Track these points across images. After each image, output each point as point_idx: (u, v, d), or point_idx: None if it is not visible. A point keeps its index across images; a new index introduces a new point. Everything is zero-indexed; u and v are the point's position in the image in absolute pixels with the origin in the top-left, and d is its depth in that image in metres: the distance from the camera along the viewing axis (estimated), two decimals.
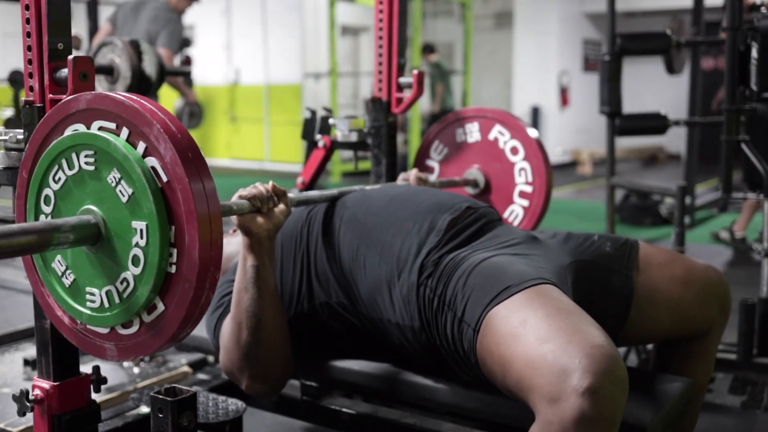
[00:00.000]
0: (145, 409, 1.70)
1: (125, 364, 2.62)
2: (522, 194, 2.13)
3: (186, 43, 5.43)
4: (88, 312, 1.13)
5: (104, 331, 1.14)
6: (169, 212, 1.03)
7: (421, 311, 1.40)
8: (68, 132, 1.12)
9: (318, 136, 2.25)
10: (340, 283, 1.51)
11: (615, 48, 3.66)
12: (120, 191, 1.06)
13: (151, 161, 1.04)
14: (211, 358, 2.49)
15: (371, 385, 1.57)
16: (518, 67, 10.62)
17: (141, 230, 1.04)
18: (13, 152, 1.35)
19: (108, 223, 1.08)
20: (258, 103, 10.00)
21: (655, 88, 10.48)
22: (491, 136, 2.16)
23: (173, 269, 1.04)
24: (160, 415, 1.33)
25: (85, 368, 1.38)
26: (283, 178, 8.41)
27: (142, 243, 1.04)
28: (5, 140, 1.35)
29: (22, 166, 1.19)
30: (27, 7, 1.26)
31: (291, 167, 9.12)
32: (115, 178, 1.06)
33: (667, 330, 1.56)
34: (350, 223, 1.54)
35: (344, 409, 1.76)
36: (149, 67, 2.67)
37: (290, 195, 1.48)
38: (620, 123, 3.55)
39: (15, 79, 6.20)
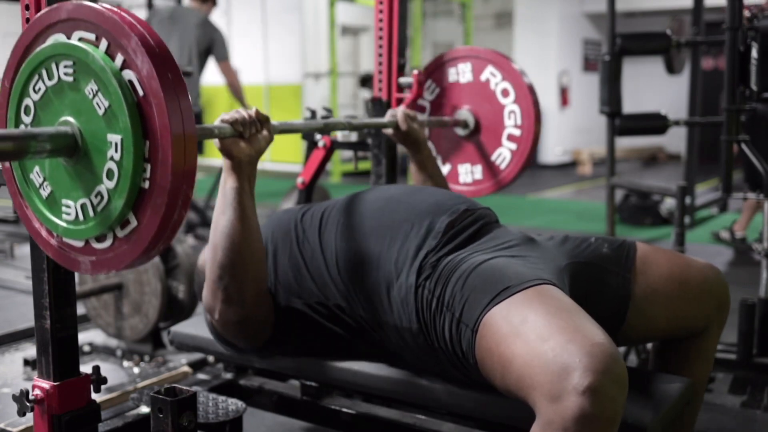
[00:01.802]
0: (145, 409, 1.70)
1: (125, 363, 2.62)
2: (510, 137, 2.13)
3: None
4: (64, 224, 1.14)
5: (79, 244, 1.14)
6: (144, 127, 1.02)
7: (419, 313, 1.39)
8: (49, 41, 1.11)
9: (318, 136, 2.25)
10: (337, 285, 1.51)
11: (615, 48, 3.66)
12: (97, 103, 1.05)
13: (129, 74, 1.03)
14: (211, 358, 2.49)
15: (371, 385, 1.57)
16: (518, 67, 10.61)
17: (116, 144, 1.03)
18: None
19: (84, 135, 1.07)
20: (258, 103, 9.99)
21: (655, 88, 10.48)
22: (483, 77, 2.16)
23: (146, 185, 1.04)
24: (160, 415, 1.33)
25: (85, 368, 1.38)
26: (283, 178, 8.41)
27: (117, 157, 1.04)
28: None
29: (5, 75, 1.18)
30: (27, 7, 1.26)
31: (291, 167, 9.12)
32: (92, 90, 1.05)
33: (665, 329, 1.56)
34: (347, 225, 1.54)
35: (344, 409, 1.76)
36: None
37: (274, 123, 1.47)
38: (620, 123, 3.55)
39: None
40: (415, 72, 2.15)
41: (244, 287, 1.44)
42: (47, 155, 1.07)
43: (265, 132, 1.42)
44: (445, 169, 2.25)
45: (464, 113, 2.18)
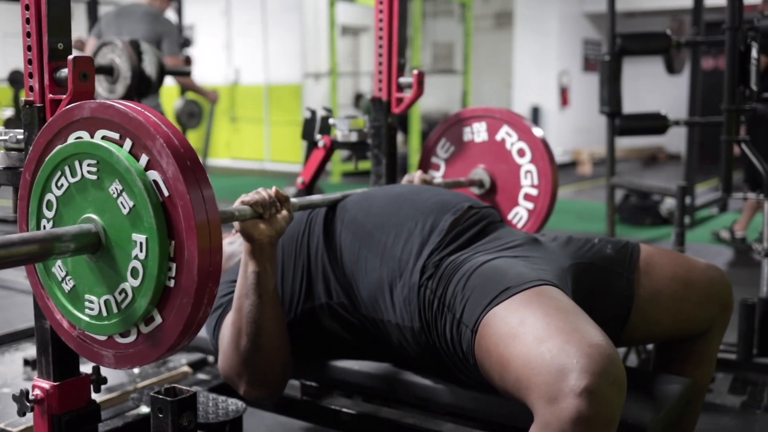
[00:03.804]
0: (145, 409, 1.70)
1: None
2: (527, 197, 2.12)
3: (186, 43, 5.44)
4: (87, 319, 1.13)
5: (102, 338, 1.14)
6: (169, 227, 1.03)
7: (421, 312, 1.39)
8: (71, 139, 1.12)
9: (318, 136, 2.25)
10: (341, 283, 1.51)
11: (615, 48, 3.66)
12: (121, 203, 1.05)
13: (153, 175, 1.03)
14: (211, 358, 2.49)
15: (371, 385, 1.57)
16: (518, 67, 10.62)
17: (141, 243, 1.04)
18: (13, 152, 1.35)
19: (108, 232, 1.08)
20: (258, 103, 9.99)
21: (655, 88, 10.48)
22: (498, 136, 2.15)
23: (172, 283, 1.04)
24: (160, 415, 1.33)
25: (85, 368, 1.38)
26: (283, 178, 8.41)
27: (142, 256, 1.04)
28: (5, 140, 1.35)
29: (26, 168, 1.19)
30: (27, 7, 1.26)
31: (291, 167, 9.12)
32: (116, 189, 1.06)
33: (667, 330, 1.56)
34: (351, 223, 1.54)
35: (344, 409, 1.75)
36: (149, 67, 2.67)
37: (293, 200, 1.47)
38: (620, 123, 3.54)
39: (15, 79, 6.21)
40: (415, 72, 2.15)
41: (270, 370, 1.46)
42: (71, 254, 1.07)
43: (284, 212, 1.42)
44: None
45: (480, 172, 2.18)
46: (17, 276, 3.80)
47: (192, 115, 5.31)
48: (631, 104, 4.24)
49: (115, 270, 1.08)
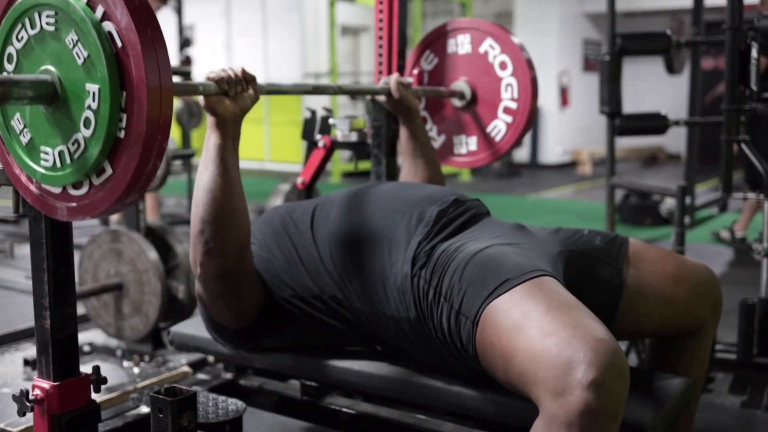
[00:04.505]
0: (145, 409, 1.70)
1: (125, 363, 2.62)
2: (506, 110, 2.12)
3: (186, 43, 5.44)
4: (42, 171, 1.16)
5: (57, 190, 1.16)
6: (121, 78, 1.04)
7: (417, 302, 1.40)
8: None
9: (318, 136, 2.25)
10: (332, 277, 1.51)
11: (615, 48, 3.66)
12: (77, 53, 1.07)
13: (108, 26, 1.05)
14: (211, 358, 2.49)
15: (371, 385, 1.57)
16: None
17: (94, 93, 1.06)
18: None
19: (64, 83, 1.10)
20: (258, 103, 9.98)
21: (655, 88, 10.48)
22: (482, 49, 2.14)
23: (122, 134, 1.06)
24: (160, 415, 1.33)
25: (85, 368, 1.38)
26: (283, 178, 8.40)
27: (95, 106, 1.06)
28: None
29: None
30: None
31: (291, 167, 9.12)
32: (72, 39, 1.07)
33: (658, 324, 1.57)
34: (339, 218, 1.55)
35: (344, 409, 1.75)
36: None
37: (261, 83, 1.47)
38: (620, 123, 3.54)
39: None
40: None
41: (225, 241, 1.43)
42: (28, 102, 1.10)
43: (250, 91, 1.43)
44: (440, 140, 2.25)
45: (461, 84, 2.17)
46: (17, 276, 3.81)
47: (192, 114, 5.31)
48: (631, 104, 4.24)
49: (69, 120, 1.10)
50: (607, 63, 3.69)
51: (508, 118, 2.12)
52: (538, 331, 1.16)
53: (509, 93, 2.12)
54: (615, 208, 4.61)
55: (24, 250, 4.41)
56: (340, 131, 2.15)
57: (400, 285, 1.42)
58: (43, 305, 1.33)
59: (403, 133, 1.99)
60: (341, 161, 8.72)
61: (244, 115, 1.43)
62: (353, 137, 2.13)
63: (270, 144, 9.97)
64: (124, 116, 1.05)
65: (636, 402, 1.33)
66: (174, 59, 6.71)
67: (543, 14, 10.16)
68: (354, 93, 2.08)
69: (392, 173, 2.16)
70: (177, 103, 5.42)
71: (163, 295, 2.54)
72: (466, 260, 1.35)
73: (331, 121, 2.20)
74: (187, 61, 5.32)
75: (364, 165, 3.32)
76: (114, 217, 4.09)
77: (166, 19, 5.33)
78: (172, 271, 2.65)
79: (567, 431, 1.08)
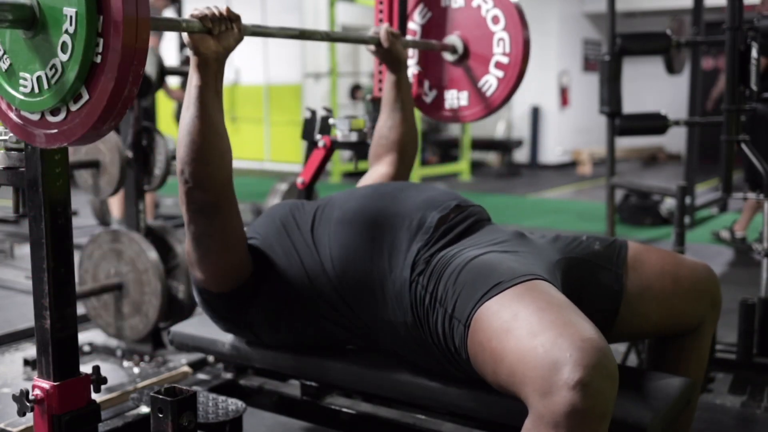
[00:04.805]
0: (145, 409, 1.70)
1: (125, 363, 2.62)
2: (498, 65, 2.11)
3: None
4: (21, 97, 1.16)
5: (35, 117, 1.16)
6: (98, 2, 1.05)
7: (413, 308, 1.40)
8: None
9: (318, 136, 2.25)
10: (331, 280, 1.51)
11: (615, 48, 3.66)
12: None
13: None
14: (211, 358, 2.49)
15: (371, 385, 1.57)
16: None
17: (71, 17, 1.05)
18: (13, 152, 1.36)
19: (42, 6, 1.09)
20: (258, 103, 10.00)
21: (655, 88, 10.48)
22: (474, 2, 2.13)
23: (98, 59, 1.06)
24: (160, 415, 1.33)
25: (85, 368, 1.38)
26: (283, 178, 8.40)
27: (72, 30, 1.06)
28: (5, 140, 1.36)
29: None
30: None
31: (291, 167, 9.12)
32: None
33: (657, 325, 1.57)
34: (339, 221, 1.55)
35: (344, 409, 1.76)
36: (149, 67, 2.68)
37: (245, 24, 1.46)
38: (620, 123, 3.54)
39: None
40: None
41: (204, 177, 1.42)
42: (8, 25, 1.09)
43: (235, 30, 1.41)
44: (432, 95, 2.24)
45: (453, 38, 2.16)
46: (17, 276, 3.81)
47: None
48: (631, 104, 4.24)
49: (47, 46, 1.10)
50: (607, 63, 3.69)
51: (500, 73, 2.11)
52: (527, 332, 1.16)
53: (501, 47, 2.10)
54: (615, 208, 4.61)
55: (24, 250, 4.41)
56: (340, 131, 2.15)
57: (398, 290, 1.42)
58: (43, 305, 1.33)
59: (388, 82, 1.98)
60: (341, 161, 8.72)
61: (227, 55, 1.42)
62: (353, 137, 2.14)
63: (270, 144, 9.97)
64: (101, 41, 1.05)
65: (636, 402, 1.33)
66: (174, 59, 6.71)
67: (543, 14, 10.15)
68: (342, 41, 2.07)
69: None
70: (175, 102, 5.42)
71: (163, 295, 2.54)
72: (461, 266, 1.36)
73: (331, 121, 2.20)
74: (187, 60, 5.31)
75: (364, 165, 3.32)
76: (115, 216, 4.09)
77: None
78: (172, 271, 2.65)
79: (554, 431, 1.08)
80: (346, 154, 8.33)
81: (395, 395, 1.57)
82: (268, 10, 9.57)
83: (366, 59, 10.76)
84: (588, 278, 1.53)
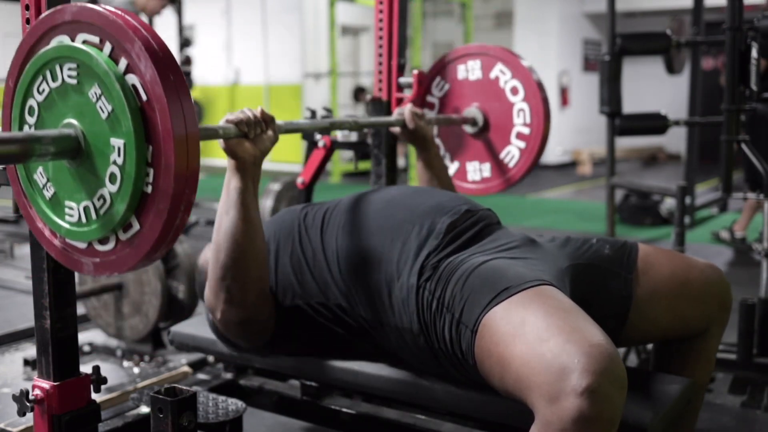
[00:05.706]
0: (145, 409, 1.70)
1: (125, 363, 2.62)
2: (519, 135, 2.12)
3: (186, 43, 5.44)
4: (67, 226, 1.14)
5: (82, 246, 1.14)
6: (147, 131, 1.02)
7: (420, 314, 1.39)
8: (53, 43, 1.11)
9: (318, 136, 2.25)
10: (338, 285, 1.51)
11: (615, 48, 3.66)
12: (100, 107, 1.05)
13: (132, 79, 1.03)
14: (211, 358, 2.49)
15: (371, 385, 1.57)
16: None
17: (119, 148, 1.03)
18: None
19: (88, 137, 1.08)
20: (258, 103, 9.99)
21: (655, 88, 10.48)
22: (492, 74, 2.15)
23: (149, 189, 1.04)
24: (160, 415, 1.33)
25: (85, 368, 1.38)
26: (282, 178, 8.40)
27: (120, 161, 1.04)
28: None
29: (9, 75, 1.18)
30: (27, 7, 1.26)
31: (291, 167, 9.12)
32: (96, 93, 1.05)
33: (666, 329, 1.56)
34: (348, 225, 1.54)
35: (344, 409, 1.75)
36: None
37: (279, 122, 1.46)
38: (620, 123, 3.55)
39: None
40: (415, 72, 2.15)
41: (247, 288, 1.44)
42: (51, 158, 1.07)
43: (270, 132, 1.41)
44: (454, 167, 2.25)
45: (473, 111, 2.17)
46: (17, 276, 3.80)
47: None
48: (631, 104, 4.24)
49: (94, 175, 1.08)
50: (607, 63, 3.70)
51: (521, 144, 2.12)
52: (534, 337, 1.15)
53: (521, 118, 2.12)
54: (615, 208, 4.62)
55: (24, 250, 4.41)
56: (340, 131, 2.15)
57: (405, 296, 1.42)
58: (43, 305, 1.33)
59: (420, 163, 1.99)
60: (341, 161, 8.72)
61: (263, 157, 1.42)
62: (353, 137, 2.14)
63: None
64: (151, 171, 1.03)
65: (636, 402, 1.33)
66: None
67: (543, 14, 10.15)
68: (370, 126, 2.07)
69: (392, 173, 2.16)
70: None
71: (163, 295, 2.54)
72: (469, 271, 1.35)
73: None
74: (187, 61, 5.32)
75: (364, 165, 3.32)
76: None
77: (166, 19, 5.34)
78: (172, 271, 2.65)
79: None
80: (346, 154, 8.33)
81: (395, 395, 1.57)
82: (268, 10, 9.57)
83: (366, 59, 10.76)
84: (597, 283, 1.52)
